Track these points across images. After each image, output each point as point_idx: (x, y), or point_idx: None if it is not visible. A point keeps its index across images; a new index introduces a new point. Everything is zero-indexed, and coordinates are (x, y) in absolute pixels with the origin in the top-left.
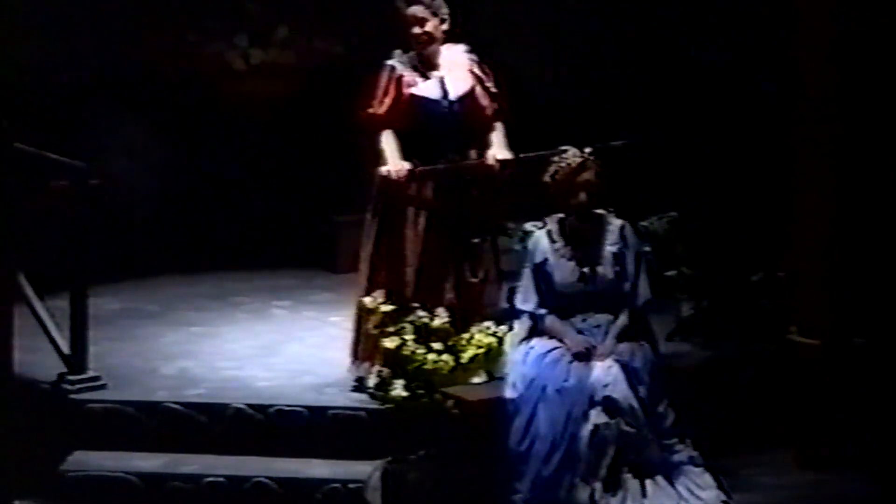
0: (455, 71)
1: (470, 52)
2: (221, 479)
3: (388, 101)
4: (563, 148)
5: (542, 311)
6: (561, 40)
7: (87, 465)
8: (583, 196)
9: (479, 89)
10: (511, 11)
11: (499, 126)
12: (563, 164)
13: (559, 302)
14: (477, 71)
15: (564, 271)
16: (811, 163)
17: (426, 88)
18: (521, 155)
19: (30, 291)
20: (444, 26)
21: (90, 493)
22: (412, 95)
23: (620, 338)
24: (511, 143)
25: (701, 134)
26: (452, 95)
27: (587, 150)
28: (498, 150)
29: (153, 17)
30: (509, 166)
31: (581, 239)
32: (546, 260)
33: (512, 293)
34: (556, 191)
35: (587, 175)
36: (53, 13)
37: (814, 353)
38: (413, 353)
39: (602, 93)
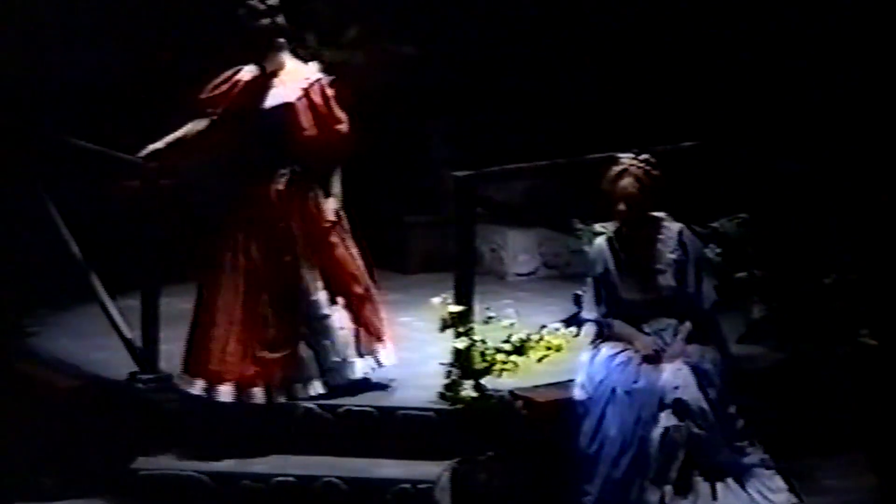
0: (289, 84)
1: (322, 71)
2: (291, 478)
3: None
4: (616, 155)
5: (607, 320)
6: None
7: (158, 464)
8: (621, 206)
9: (301, 105)
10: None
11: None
12: (606, 173)
13: (624, 309)
14: (314, 89)
15: (627, 281)
16: None
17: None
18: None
19: (102, 290)
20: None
21: (161, 492)
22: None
23: (689, 340)
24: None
25: (773, 135)
26: (267, 105)
27: (643, 156)
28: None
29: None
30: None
31: (638, 246)
32: (607, 270)
33: (578, 299)
34: (603, 199)
35: (625, 183)
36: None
37: (885, 357)
38: (483, 353)
39: (667, 93)
